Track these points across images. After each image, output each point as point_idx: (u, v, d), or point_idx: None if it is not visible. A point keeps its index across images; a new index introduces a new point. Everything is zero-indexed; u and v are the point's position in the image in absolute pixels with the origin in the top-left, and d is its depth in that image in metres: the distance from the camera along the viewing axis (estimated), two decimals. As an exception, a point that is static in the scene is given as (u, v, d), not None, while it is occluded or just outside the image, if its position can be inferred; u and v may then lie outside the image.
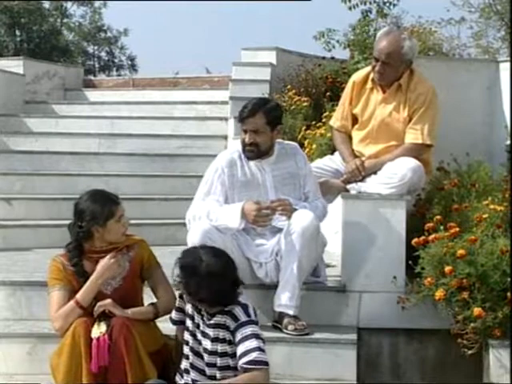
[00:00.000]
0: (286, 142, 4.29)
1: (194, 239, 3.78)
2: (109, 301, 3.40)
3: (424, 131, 4.31)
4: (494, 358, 3.71)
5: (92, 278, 3.43)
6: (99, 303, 3.39)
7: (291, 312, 3.83)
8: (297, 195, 4.03)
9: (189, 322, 3.34)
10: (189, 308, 3.36)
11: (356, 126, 4.60)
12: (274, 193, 4.03)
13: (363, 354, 3.99)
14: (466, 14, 13.45)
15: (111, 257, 3.46)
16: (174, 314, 3.47)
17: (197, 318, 3.31)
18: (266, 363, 3.13)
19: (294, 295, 3.82)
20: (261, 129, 3.98)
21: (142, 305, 3.58)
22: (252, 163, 4.05)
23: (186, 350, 3.32)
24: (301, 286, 3.87)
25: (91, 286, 3.43)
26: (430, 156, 4.47)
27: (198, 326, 3.30)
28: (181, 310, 3.43)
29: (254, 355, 3.12)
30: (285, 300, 3.83)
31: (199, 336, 3.28)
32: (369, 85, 4.54)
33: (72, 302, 3.40)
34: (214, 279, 3.17)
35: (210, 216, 3.92)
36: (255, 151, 4.00)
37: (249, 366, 3.10)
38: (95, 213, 3.47)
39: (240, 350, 3.14)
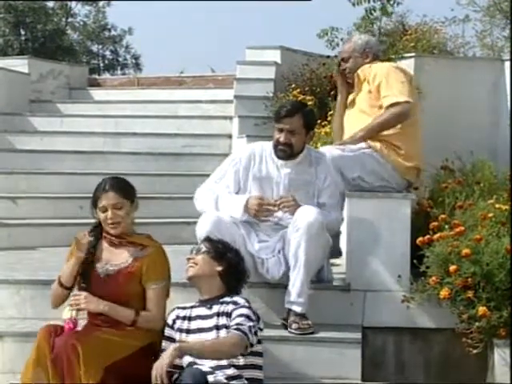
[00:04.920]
0: (315, 149, 4.30)
1: (203, 230, 3.80)
2: (83, 296, 3.40)
3: (395, 92, 4.30)
4: (498, 357, 3.71)
5: (72, 260, 3.51)
6: (73, 298, 3.42)
7: (298, 309, 3.84)
8: (309, 202, 4.01)
9: (183, 336, 3.35)
10: (177, 320, 3.39)
11: None
12: (286, 194, 4.03)
13: (368, 353, 3.99)
14: (471, 12, 13.41)
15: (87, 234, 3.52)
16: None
17: (187, 324, 3.36)
18: (247, 337, 3.21)
19: (302, 293, 3.83)
20: (297, 130, 4.02)
21: (140, 309, 3.48)
22: (270, 162, 4.08)
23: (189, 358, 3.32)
24: (309, 283, 3.87)
25: (72, 265, 3.49)
26: (404, 140, 4.35)
27: (193, 331, 3.34)
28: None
29: (242, 327, 3.22)
30: (292, 297, 3.84)
31: (198, 337, 3.31)
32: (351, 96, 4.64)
33: (56, 281, 3.52)
34: (243, 262, 3.52)
35: (218, 202, 4.00)
36: (288, 151, 4.03)
37: (234, 331, 3.20)
38: (94, 191, 3.58)
39: (232, 322, 3.25)
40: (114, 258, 3.52)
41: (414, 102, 4.40)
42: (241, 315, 3.25)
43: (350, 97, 4.61)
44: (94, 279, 3.48)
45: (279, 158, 4.06)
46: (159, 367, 3.04)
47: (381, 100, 4.35)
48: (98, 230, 3.58)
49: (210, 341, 3.23)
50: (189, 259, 3.44)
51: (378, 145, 4.30)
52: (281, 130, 4.03)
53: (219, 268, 3.37)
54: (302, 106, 4.19)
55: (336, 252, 4.26)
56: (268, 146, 4.14)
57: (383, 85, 4.34)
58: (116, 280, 3.45)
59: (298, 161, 4.08)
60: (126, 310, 3.40)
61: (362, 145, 4.32)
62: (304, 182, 4.07)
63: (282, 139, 4.02)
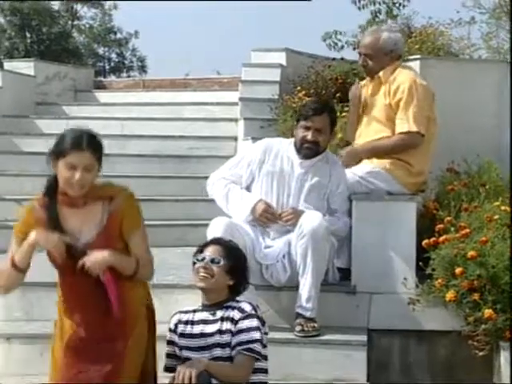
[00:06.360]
0: (331, 153, 4.30)
1: (215, 234, 3.78)
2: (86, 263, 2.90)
3: (409, 119, 4.26)
4: (504, 360, 3.70)
5: (29, 241, 2.94)
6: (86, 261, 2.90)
7: (307, 314, 3.85)
8: (319, 205, 4.04)
9: (185, 341, 3.30)
10: (179, 324, 3.33)
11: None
12: (297, 194, 4.06)
13: (373, 356, 3.98)
14: (477, 14, 13.41)
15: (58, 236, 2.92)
16: (167, 362, 3.34)
17: (189, 328, 3.30)
18: (261, 355, 3.19)
19: (311, 298, 3.85)
20: (324, 128, 4.04)
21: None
22: (286, 159, 4.09)
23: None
24: (318, 288, 3.87)
25: (27, 249, 2.95)
26: (416, 157, 4.34)
27: (195, 336, 3.28)
28: (171, 356, 3.33)
29: (253, 345, 3.15)
30: (301, 302, 3.86)
31: (201, 342, 3.26)
32: (365, 82, 4.59)
33: (9, 264, 2.99)
34: (247, 266, 3.40)
35: (228, 195, 4.06)
36: (314, 149, 4.05)
37: (246, 353, 3.15)
38: (56, 142, 3.04)
39: (243, 337, 3.17)
40: (87, 222, 3.00)
41: (432, 117, 4.38)
42: (249, 329, 3.17)
43: (368, 94, 4.52)
44: (71, 251, 2.95)
45: (304, 156, 4.05)
46: (187, 372, 3.02)
47: (396, 119, 4.31)
48: (51, 190, 3.03)
49: (231, 368, 3.16)
50: (204, 268, 3.28)
51: (387, 165, 4.28)
52: (307, 128, 4.03)
53: (231, 282, 3.30)
54: (328, 104, 4.22)
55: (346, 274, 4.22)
56: (286, 142, 4.15)
57: (401, 104, 4.28)
58: (99, 244, 2.97)
59: (315, 161, 4.08)
60: (128, 257, 3.01)
61: (370, 166, 4.29)
62: (317, 184, 4.08)
63: (309, 137, 4.02)
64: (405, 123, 4.27)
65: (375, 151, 4.32)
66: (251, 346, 3.14)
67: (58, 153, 2.99)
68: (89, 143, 2.98)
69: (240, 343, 3.15)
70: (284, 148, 4.13)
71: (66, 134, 3.04)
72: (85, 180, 2.95)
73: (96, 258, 2.91)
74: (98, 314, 3.01)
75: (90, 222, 3.00)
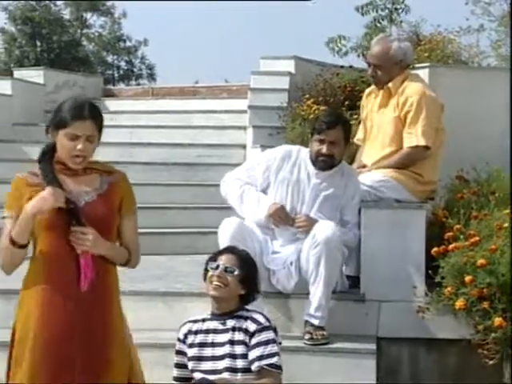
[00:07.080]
0: (348, 165, 4.31)
1: (226, 235, 3.82)
2: (90, 237, 2.77)
3: (418, 133, 4.27)
4: (514, 369, 3.69)
5: (28, 212, 2.76)
6: (75, 235, 2.78)
7: (316, 322, 3.85)
8: (332, 215, 4.04)
9: (195, 351, 3.25)
10: (189, 335, 3.29)
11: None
12: (311, 203, 4.05)
13: (383, 364, 3.97)
14: (486, 22, 13.40)
15: (52, 189, 2.78)
16: (176, 372, 3.33)
17: (199, 338, 3.26)
18: (281, 369, 3.18)
19: (321, 306, 3.84)
20: (338, 141, 4.03)
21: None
22: (303, 168, 4.09)
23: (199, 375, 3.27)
24: (329, 296, 3.88)
25: (27, 221, 2.76)
26: (426, 168, 4.36)
27: (205, 345, 3.25)
28: (181, 366, 3.31)
29: (275, 359, 3.14)
30: (311, 311, 3.86)
31: (211, 351, 3.23)
32: (372, 89, 4.59)
33: (7, 243, 2.79)
34: (258, 276, 3.38)
35: (243, 195, 4.06)
36: (329, 162, 4.04)
37: (270, 369, 3.14)
38: (56, 111, 2.88)
39: (261, 351, 3.14)
40: (85, 186, 2.89)
41: (440, 127, 4.39)
42: (268, 342, 3.14)
43: (375, 104, 4.53)
44: (69, 207, 2.80)
45: (320, 168, 4.05)
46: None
47: (404, 133, 4.33)
48: (48, 156, 2.92)
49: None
50: (218, 276, 3.23)
51: (395, 173, 4.27)
52: (322, 142, 4.02)
53: (242, 292, 3.27)
54: (341, 117, 4.22)
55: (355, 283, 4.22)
56: (304, 152, 4.15)
57: (409, 117, 4.29)
58: (99, 205, 2.87)
59: (331, 173, 4.08)
60: (122, 249, 2.92)
61: (379, 175, 4.29)
62: (331, 195, 4.07)
63: (324, 150, 4.01)
64: (413, 137, 4.28)
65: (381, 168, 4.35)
66: (273, 360, 3.12)
67: (58, 123, 2.85)
68: (90, 112, 2.85)
69: (260, 357, 3.13)
70: (302, 157, 4.13)
71: (65, 104, 2.88)
72: (87, 151, 2.85)
73: (97, 241, 2.79)
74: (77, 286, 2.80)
75: (89, 186, 2.90)
